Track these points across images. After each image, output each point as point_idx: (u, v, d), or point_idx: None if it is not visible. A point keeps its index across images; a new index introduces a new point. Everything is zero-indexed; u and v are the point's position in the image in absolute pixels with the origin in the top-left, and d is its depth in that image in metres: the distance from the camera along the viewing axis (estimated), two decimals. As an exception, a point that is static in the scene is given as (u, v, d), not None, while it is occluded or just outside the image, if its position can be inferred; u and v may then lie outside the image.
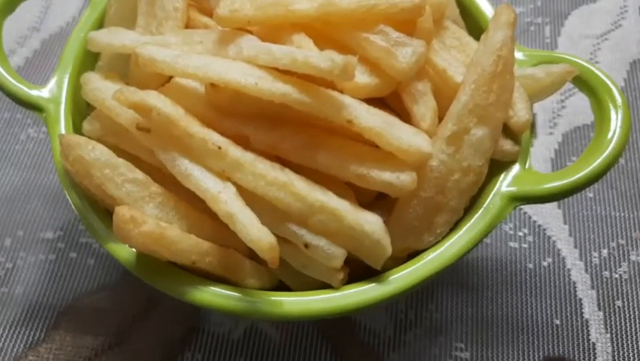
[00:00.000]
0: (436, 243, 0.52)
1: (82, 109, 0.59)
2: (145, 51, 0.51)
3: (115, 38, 0.56)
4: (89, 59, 0.61)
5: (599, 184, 0.74)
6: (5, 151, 0.76)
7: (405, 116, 0.54)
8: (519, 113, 0.54)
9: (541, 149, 0.76)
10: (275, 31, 0.53)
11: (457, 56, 0.58)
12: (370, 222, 0.49)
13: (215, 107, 0.51)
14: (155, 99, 0.49)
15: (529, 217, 0.72)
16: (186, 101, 0.52)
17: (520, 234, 0.71)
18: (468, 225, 0.52)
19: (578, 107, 0.78)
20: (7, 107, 0.80)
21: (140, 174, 0.51)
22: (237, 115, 0.51)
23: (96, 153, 0.50)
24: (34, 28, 0.85)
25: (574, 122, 0.78)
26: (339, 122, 0.49)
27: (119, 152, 0.54)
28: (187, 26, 0.58)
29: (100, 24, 0.62)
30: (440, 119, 0.54)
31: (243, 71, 0.49)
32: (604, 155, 0.52)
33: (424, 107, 0.54)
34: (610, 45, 0.83)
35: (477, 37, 0.61)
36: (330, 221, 0.49)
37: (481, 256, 0.70)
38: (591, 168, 0.52)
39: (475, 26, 0.62)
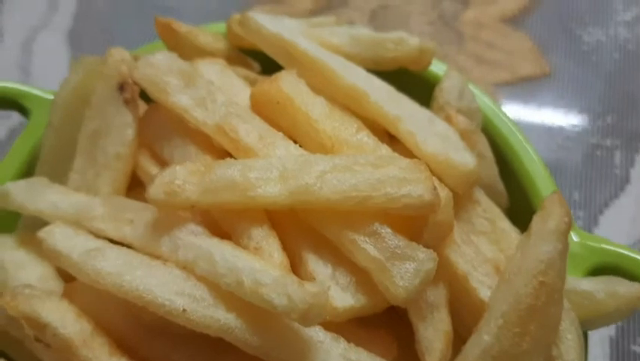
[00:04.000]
0: None
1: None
2: (49, 239, 0.37)
3: (30, 199, 0.42)
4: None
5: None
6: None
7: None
8: (567, 356, 0.38)
9: (599, 322, 0.59)
10: (233, 213, 0.39)
11: (486, 252, 0.42)
12: None
13: (139, 322, 0.37)
14: (51, 313, 0.36)
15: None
16: (99, 307, 0.38)
17: None
18: None
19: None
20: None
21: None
22: (167, 335, 0.37)
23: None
24: (5, 114, 0.73)
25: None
26: (299, 373, 0.34)
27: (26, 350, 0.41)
28: (133, 177, 0.45)
29: (34, 158, 0.49)
30: (458, 337, 0.39)
31: (169, 286, 0.35)
32: None
33: (433, 330, 0.39)
34: (699, 183, 0.66)
35: (522, 209, 0.46)
36: None
37: None
38: None
39: (520, 193, 0.47)
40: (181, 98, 0.43)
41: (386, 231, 0.37)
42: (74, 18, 0.79)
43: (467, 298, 0.40)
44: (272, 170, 0.38)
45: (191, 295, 0.35)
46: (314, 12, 0.77)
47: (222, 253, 0.35)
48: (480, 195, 0.44)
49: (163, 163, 0.44)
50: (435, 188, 0.37)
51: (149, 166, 0.45)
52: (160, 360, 0.37)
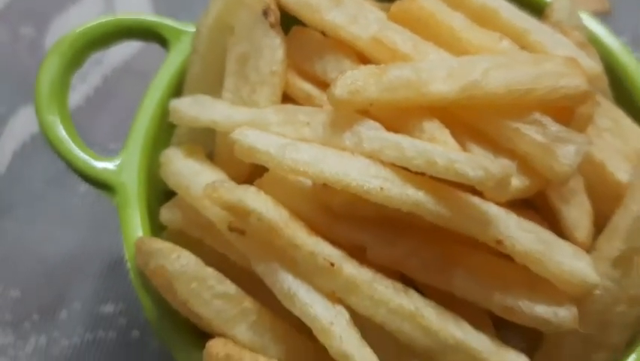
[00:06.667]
0: (592, 388, 0.42)
1: (159, 184, 0.50)
2: (244, 138, 0.42)
3: (203, 112, 0.46)
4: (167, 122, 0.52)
5: None
6: (61, 206, 0.68)
7: (546, 214, 0.45)
8: None
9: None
10: (399, 113, 0.43)
11: (613, 143, 0.47)
12: (517, 367, 0.39)
13: (326, 209, 0.42)
14: (255, 201, 0.40)
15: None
16: (289, 198, 0.42)
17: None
18: (634, 367, 0.42)
19: None
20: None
21: (231, 287, 0.42)
22: (353, 219, 0.42)
23: (182, 262, 0.41)
24: (96, 61, 0.77)
25: None
26: (483, 240, 0.39)
27: (203, 249, 0.45)
28: (284, 94, 0.49)
29: (179, 81, 0.53)
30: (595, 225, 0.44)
31: (364, 170, 0.40)
32: None
33: (577, 211, 0.44)
34: None
35: (630, 114, 0.51)
36: (467, 364, 0.39)
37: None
38: None
39: (627, 101, 0.52)
40: (335, 16, 0.47)
41: (546, 120, 0.42)
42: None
43: (603, 184, 0.45)
44: (440, 70, 0.42)
45: (384, 178, 0.40)
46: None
47: (408, 141, 0.40)
48: (601, 99, 0.49)
49: (313, 79, 0.49)
50: (588, 80, 0.42)
51: (300, 83, 0.49)
52: (346, 240, 0.42)
